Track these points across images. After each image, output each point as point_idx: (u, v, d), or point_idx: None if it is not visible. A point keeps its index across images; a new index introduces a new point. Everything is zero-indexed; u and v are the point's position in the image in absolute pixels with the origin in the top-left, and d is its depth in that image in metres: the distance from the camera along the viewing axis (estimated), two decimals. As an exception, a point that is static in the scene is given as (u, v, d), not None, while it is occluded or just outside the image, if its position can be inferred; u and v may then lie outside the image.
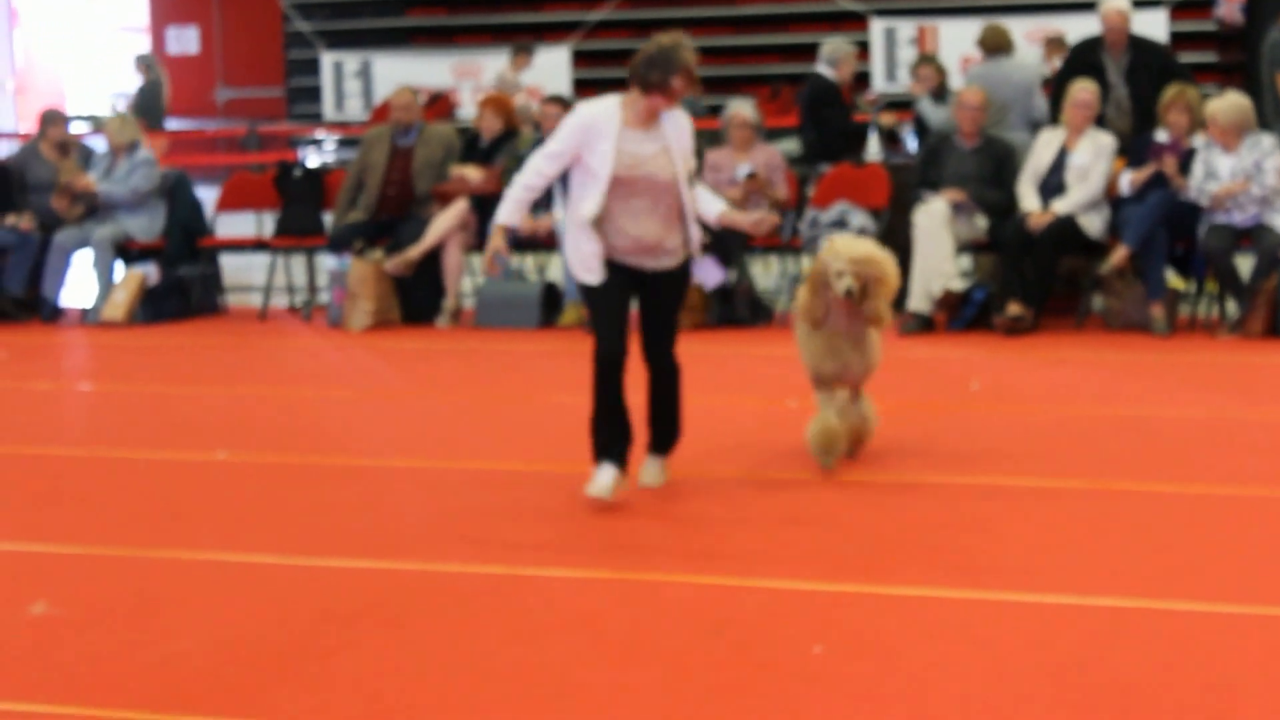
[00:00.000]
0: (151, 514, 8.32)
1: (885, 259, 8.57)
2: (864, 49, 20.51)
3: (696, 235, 8.09)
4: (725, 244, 13.68)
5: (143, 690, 5.85)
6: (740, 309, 13.87)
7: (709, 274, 8.37)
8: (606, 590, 6.84)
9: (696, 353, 12.78)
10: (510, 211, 8.00)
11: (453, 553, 7.37)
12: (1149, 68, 13.91)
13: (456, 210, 14.39)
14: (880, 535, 7.55)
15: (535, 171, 7.97)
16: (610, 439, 8.02)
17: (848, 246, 8.54)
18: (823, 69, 15.65)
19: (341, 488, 8.81)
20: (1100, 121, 13.40)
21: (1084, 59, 14.06)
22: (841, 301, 8.49)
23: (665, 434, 8.33)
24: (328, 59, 25.77)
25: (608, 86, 22.96)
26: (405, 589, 6.88)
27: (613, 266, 7.95)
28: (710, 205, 8.16)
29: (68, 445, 10.06)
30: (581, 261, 7.98)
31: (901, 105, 17.16)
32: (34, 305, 15.18)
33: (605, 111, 7.92)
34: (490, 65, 24.16)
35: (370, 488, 8.76)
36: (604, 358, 7.95)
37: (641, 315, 8.13)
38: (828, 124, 15.49)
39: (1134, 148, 13.25)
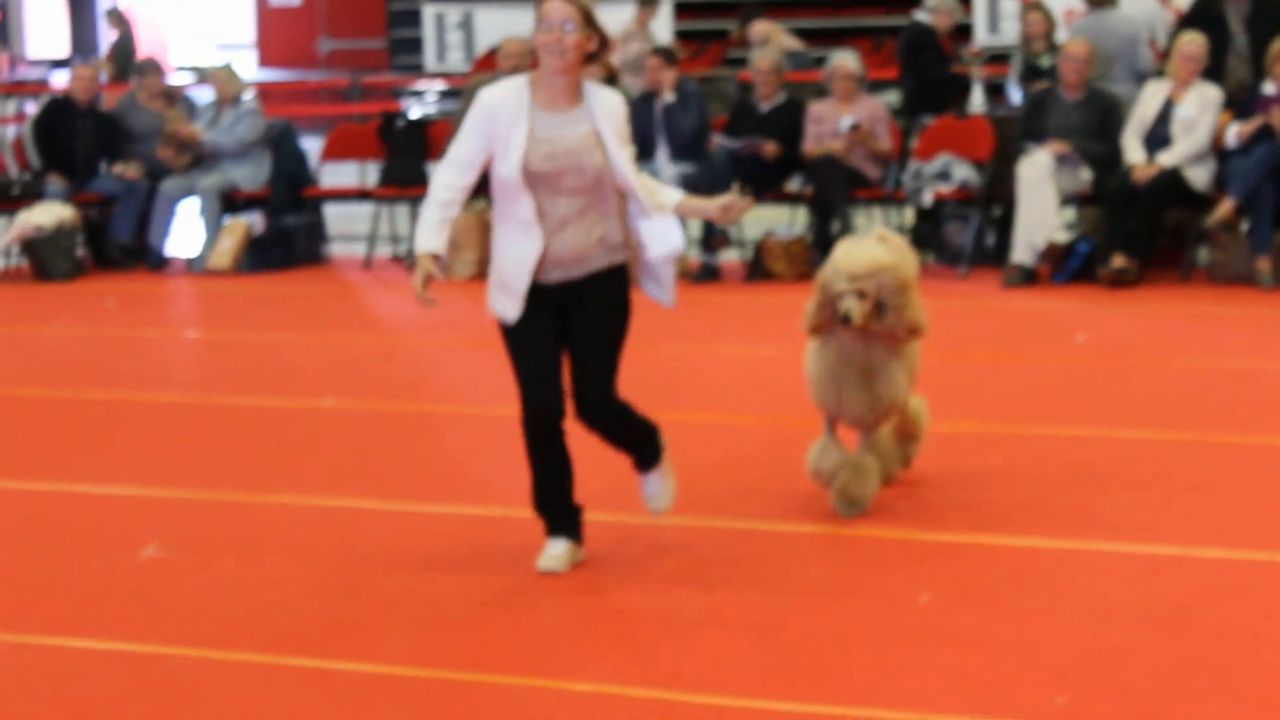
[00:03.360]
0: (259, 460, 8.42)
1: (896, 261, 7.01)
2: (966, 1, 20.32)
3: (675, 229, 6.55)
4: (828, 193, 13.65)
5: (250, 632, 5.94)
6: (842, 260, 13.78)
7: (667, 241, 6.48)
8: (714, 539, 6.86)
9: (800, 304, 12.73)
10: (429, 237, 6.37)
11: (558, 500, 7.40)
12: (1271, 15, 13.76)
13: (558, 161, 14.37)
14: (985, 486, 7.54)
15: (443, 185, 6.41)
16: (559, 512, 6.66)
17: (847, 259, 6.98)
18: (921, 16, 15.58)
19: (448, 435, 8.88)
20: (1220, 70, 13.25)
21: (1206, 8, 13.93)
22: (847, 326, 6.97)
23: (643, 456, 6.80)
24: (429, 11, 25.79)
25: (711, 39, 23.08)
26: (513, 535, 6.92)
27: (534, 291, 6.42)
28: (664, 196, 6.57)
29: (176, 391, 10.17)
30: (504, 284, 6.43)
31: (1004, 59, 17.01)
32: (140, 253, 15.28)
33: (510, 94, 6.40)
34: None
35: (476, 435, 8.81)
36: (536, 416, 6.53)
37: (569, 347, 6.53)
38: (924, 72, 15.39)
39: (1241, 100, 13.11)
